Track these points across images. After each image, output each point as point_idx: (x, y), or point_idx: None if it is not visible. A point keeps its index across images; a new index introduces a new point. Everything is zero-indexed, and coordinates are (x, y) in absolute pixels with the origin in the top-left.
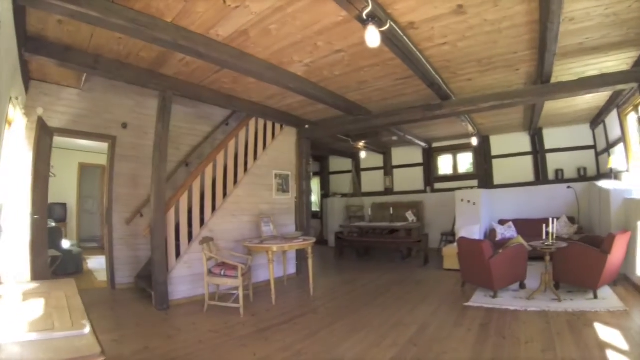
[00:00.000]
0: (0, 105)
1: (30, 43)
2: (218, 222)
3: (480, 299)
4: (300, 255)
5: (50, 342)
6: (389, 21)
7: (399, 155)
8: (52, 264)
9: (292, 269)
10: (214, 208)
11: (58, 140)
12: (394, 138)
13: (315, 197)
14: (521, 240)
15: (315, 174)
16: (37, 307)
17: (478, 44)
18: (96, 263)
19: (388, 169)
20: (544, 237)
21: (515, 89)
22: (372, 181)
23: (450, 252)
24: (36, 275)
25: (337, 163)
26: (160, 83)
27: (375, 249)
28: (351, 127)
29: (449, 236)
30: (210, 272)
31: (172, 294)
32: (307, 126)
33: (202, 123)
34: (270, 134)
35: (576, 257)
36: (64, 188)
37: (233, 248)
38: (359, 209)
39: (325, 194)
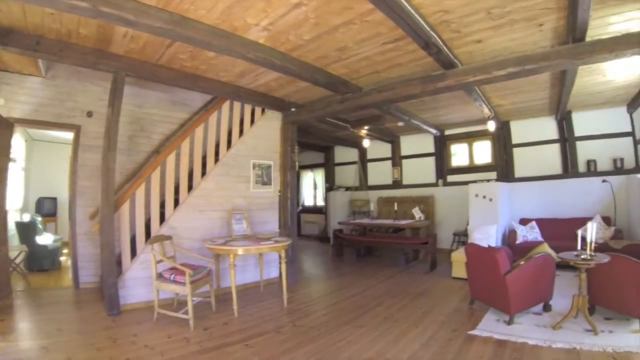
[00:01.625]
0: None
1: None
2: (181, 218)
3: (490, 325)
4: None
5: None
6: None
7: (409, 144)
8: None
9: (274, 272)
10: (177, 203)
11: (50, 134)
12: (400, 124)
13: (320, 191)
14: (547, 249)
15: (320, 165)
16: None
17: None
18: None
19: (396, 159)
20: (579, 246)
21: (540, 52)
22: (379, 173)
23: (460, 257)
24: None
25: (343, 153)
26: (111, 63)
27: (378, 250)
28: (339, 108)
29: (462, 236)
30: (160, 276)
31: (126, 297)
32: (293, 109)
33: (178, 110)
34: (248, 119)
35: (618, 273)
36: (55, 182)
37: (200, 248)
38: (364, 203)
39: (330, 186)
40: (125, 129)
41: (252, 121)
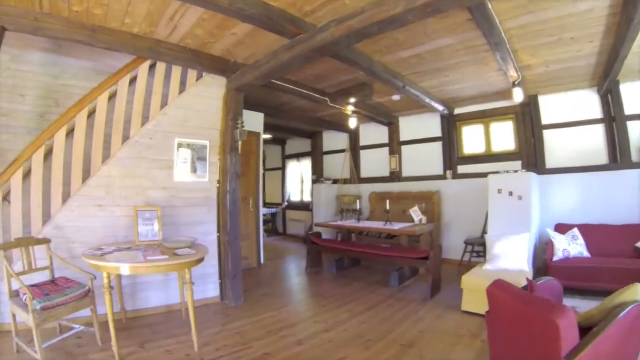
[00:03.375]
0: None
1: None
2: (72, 215)
3: None
4: (225, 270)
5: None
6: None
7: (410, 126)
8: None
9: (213, 290)
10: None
11: None
12: (395, 97)
13: (308, 184)
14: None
15: (306, 154)
16: None
17: None
18: None
19: (394, 145)
20: None
21: None
22: (374, 163)
23: (476, 284)
24: None
25: (332, 140)
26: None
27: (369, 259)
28: (287, 57)
29: (477, 246)
30: (17, 294)
31: (4, 315)
32: (239, 72)
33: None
34: (176, 85)
35: None
36: None
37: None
38: (354, 199)
39: (317, 178)
40: (36, 105)
41: (183, 87)
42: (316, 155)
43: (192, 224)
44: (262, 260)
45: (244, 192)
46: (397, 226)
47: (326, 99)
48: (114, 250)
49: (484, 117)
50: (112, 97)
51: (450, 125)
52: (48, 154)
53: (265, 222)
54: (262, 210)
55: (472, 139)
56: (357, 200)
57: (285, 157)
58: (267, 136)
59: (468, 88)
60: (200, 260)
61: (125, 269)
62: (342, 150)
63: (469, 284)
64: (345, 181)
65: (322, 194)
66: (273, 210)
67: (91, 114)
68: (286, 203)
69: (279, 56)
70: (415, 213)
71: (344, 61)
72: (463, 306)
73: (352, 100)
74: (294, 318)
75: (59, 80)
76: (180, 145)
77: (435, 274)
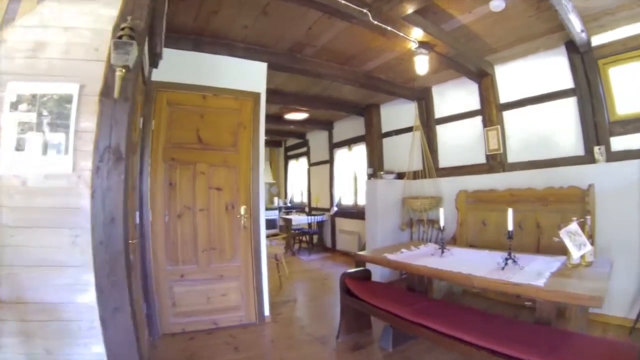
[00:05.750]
0: None
1: None
2: None
3: None
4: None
5: None
6: None
7: (516, 77)
8: None
9: None
10: None
11: None
12: (495, 4)
13: (363, 180)
14: None
15: (360, 138)
16: None
17: None
18: None
19: (492, 112)
20: None
21: None
22: (460, 143)
23: None
24: None
25: (395, 113)
26: None
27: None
28: None
29: None
30: None
31: None
32: None
33: None
34: None
35: None
36: None
37: None
38: (431, 204)
39: (374, 172)
40: None
41: None
42: (372, 139)
43: (39, 267)
44: (266, 312)
45: (228, 197)
46: (536, 282)
47: (365, 11)
48: None
49: None
50: None
51: (589, 68)
52: None
53: (310, 233)
54: (302, 219)
55: (630, 87)
56: (442, 208)
57: (334, 146)
58: (303, 116)
59: None
60: None
61: None
62: (409, 129)
63: None
64: (415, 175)
65: (379, 195)
66: (320, 217)
67: None
68: (335, 208)
69: None
70: (574, 239)
71: None
72: None
73: (412, 9)
74: None
75: None
76: (17, 99)
77: None
